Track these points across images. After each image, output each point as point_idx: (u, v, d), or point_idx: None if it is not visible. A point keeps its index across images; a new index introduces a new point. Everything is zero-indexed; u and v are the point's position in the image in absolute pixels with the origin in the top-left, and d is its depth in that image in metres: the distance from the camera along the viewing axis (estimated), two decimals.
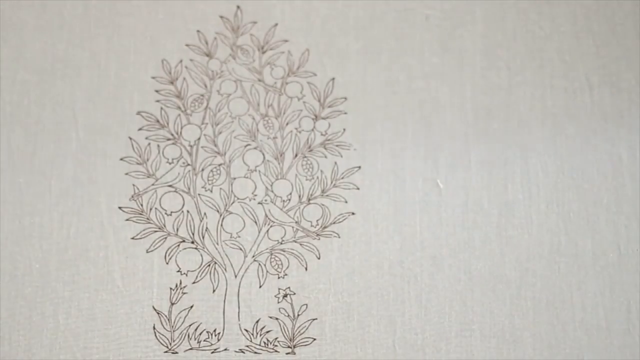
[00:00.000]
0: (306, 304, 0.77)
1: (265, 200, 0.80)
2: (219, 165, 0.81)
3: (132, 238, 0.77)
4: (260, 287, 0.78)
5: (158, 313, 0.75)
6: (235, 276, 0.78)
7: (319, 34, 0.84)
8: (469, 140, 0.82)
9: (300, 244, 0.79)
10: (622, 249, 0.79)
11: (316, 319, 0.74)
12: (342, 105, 0.82)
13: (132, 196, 0.78)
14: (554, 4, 0.88)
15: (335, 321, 0.75)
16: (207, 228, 0.79)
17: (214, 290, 0.77)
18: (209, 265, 0.78)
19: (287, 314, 0.77)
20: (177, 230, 0.78)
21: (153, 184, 0.80)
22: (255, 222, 0.79)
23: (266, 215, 0.80)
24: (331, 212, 0.80)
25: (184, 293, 0.77)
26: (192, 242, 0.78)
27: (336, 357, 0.74)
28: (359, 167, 0.81)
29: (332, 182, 0.81)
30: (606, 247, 0.79)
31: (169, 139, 0.81)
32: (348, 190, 0.80)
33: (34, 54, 0.82)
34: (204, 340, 0.76)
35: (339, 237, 0.78)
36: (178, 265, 0.76)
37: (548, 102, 0.84)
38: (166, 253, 0.76)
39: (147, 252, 0.76)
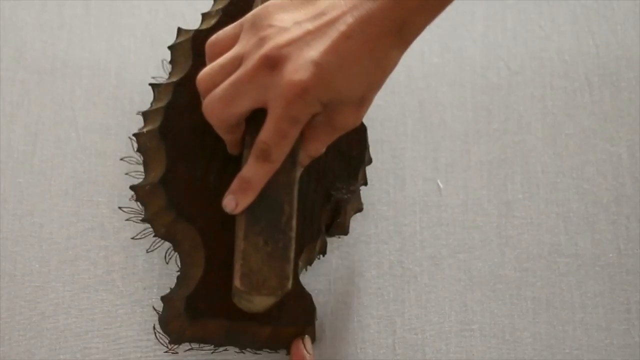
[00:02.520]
0: None
1: None
2: None
3: (132, 238, 0.77)
4: None
5: (158, 313, 0.74)
6: None
7: None
8: (469, 140, 0.82)
9: None
10: (622, 249, 0.79)
11: (316, 319, 0.74)
12: None
13: (132, 196, 0.78)
14: (554, 4, 0.88)
15: (335, 321, 0.75)
16: None
17: None
18: None
19: None
20: None
21: None
22: None
23: None
24: None
25: None
26: None
27: (336, 358, 0.74)
28: None
29: None
30: (606, 247, 0.79)
31: None
32: None
33: (34, 54, 0.82)
34: None
35: (339, 237, 0.78)
36: (178, 266, 0.76)
37: (548, 102, 0.84)
38: (166, 253, 0.76)
39: (147, 252, 0.76)
